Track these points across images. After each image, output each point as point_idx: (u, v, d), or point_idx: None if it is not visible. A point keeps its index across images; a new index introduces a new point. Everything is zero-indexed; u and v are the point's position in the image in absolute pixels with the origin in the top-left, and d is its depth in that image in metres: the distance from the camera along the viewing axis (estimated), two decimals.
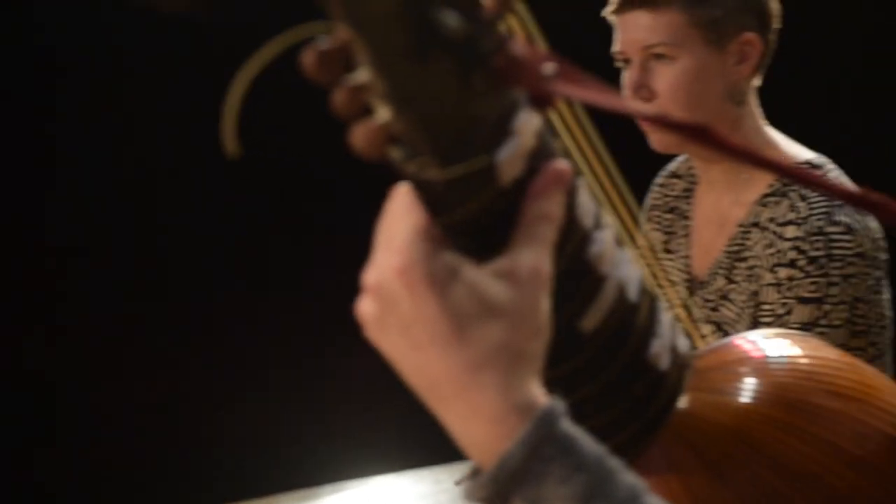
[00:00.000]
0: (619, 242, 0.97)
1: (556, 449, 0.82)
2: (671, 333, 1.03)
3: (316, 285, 3.32)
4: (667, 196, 2.21)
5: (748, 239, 1.97)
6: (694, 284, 2.09)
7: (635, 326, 0.97)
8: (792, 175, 0.86)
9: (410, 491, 2.63)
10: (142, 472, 3.58)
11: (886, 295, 1.94)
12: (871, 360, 1.90)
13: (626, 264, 0.96)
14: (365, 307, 0.83)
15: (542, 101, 0.80)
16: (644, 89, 1.97)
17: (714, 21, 1.94)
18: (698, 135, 0.83)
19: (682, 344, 1.06)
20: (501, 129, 0.78)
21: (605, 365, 0.95)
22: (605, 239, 0.92)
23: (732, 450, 1.05)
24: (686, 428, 1.04)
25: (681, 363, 1.04)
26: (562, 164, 0.85)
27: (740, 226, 2.00)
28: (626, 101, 0.79)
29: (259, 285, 3.71)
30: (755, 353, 1.13)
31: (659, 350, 1.00)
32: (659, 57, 1.96)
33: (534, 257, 0.83)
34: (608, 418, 0.98)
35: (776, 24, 2.01)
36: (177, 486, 3.51)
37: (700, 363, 1.10)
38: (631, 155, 2.12)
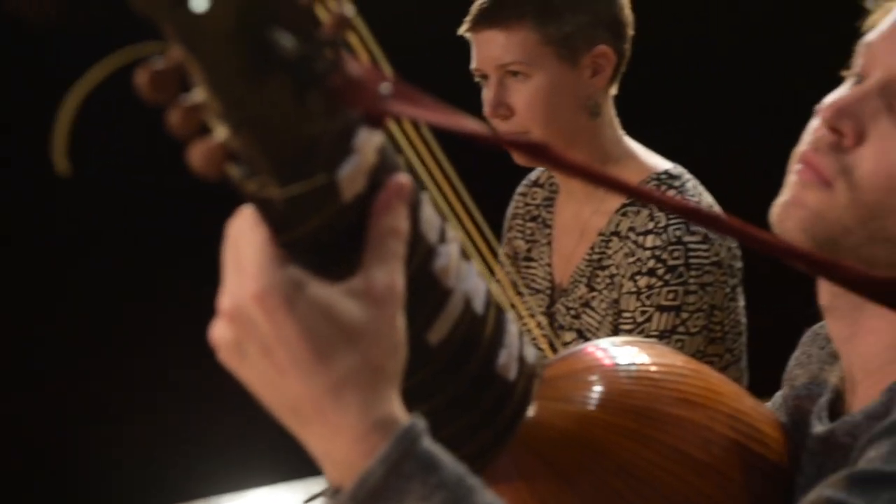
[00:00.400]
0: (465, 255, 0.98)
1: (416, 466, 0.83)
2: (518, 344, 1.04)
3: (190, 298, 3.29)
4: (528, 205, 2.24)
5: (608, 247, 2.00)
6: (556, 292, 2.12)
7: (482, 338, 0.98)
8: (626, 191, 0.88)
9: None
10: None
11: (741, 302, 1.99)
12: (727, 366, 1.95)
13: (471, 277, 0.97)
14: (221, 333, 0.83)
15: (376, 120, 0.80)
16: (502, 107, 2.00)
17: (566, 37, 1.97)
18: (537, 152, 0.84)
19: (530, 354, 1.07)
20: (342, 147, 0.79)
21: (453, 376, 0.96)
22: (451, 252, 0.92)
23: (580, 457, 1.06)
24: (535, 436, 1.06)
25: (529, 373, 1.06)
26: (403, 177, 0.85)
27: (601, 234, 2.03)
28: (462, 119, 0.80)
29: (129, 296, 3.66)
30: (603, 362, 1.15)
31: (507, 361, 1.01)
32: (514, 74, 1.99)
33: (387, 275, 0.83)
34: (457, 429, 0.98)
35: (629, 32, 2.04)
36: (42, 501, 3.44)
37: (549, 372, 1.11)
38: (484, 167, 2.15)
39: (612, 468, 1.06)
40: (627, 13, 2.04)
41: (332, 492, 0.86)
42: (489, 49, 2.00)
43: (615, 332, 1.96)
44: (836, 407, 1.18)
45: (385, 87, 0.79)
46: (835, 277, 0.91)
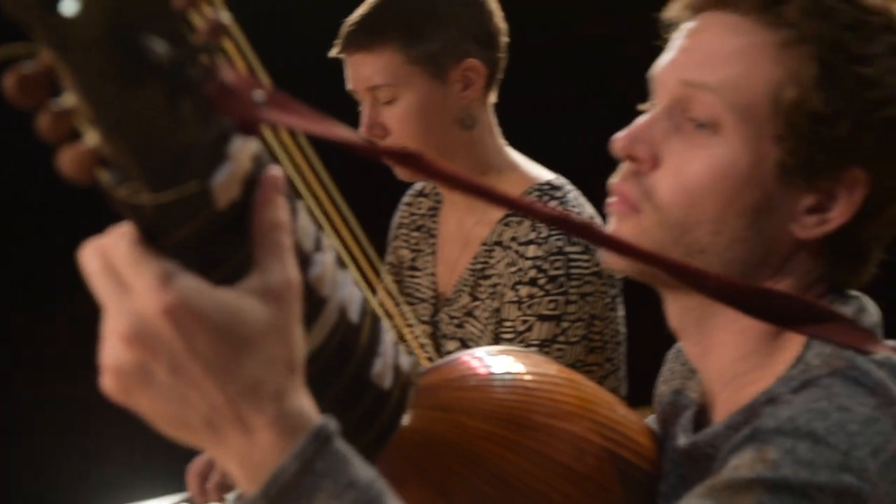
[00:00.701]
0: (341, 264, 0.98)
1: (329, 464, 0.83)
2: (394, 352, 1.05)
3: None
4: (413, 214, 2.25)
5: (491, 257, 2.02)
6: (440, 301, 2.13)
7: (357, 346, 0.98)
8: (498, 201, 0.89)
9: None
10: None
11: (621, 312, 2.01)
12: (606, 375, 1.97)
13: (347, 286, 0.97)
14: (119, 362, 0.80)
15: (250, 128, 0.80)
16: (376, 127, 2.02)
17: (432, 55, 1.98)
18: (411, 162, 0.84)
19: (406, 362, 1.07)
20: (216, 154, 0.79)
21: (328, 384, 0.96)
22: (326, 261, 0.92)
23: (454, 466, 1.07)
24: (410, 444, 1.06)
25: (404, 381, 1.06)
26: (276, 171, 0.85)
27: (484, 244, 2.04)
28: (336, 128, 0.81)
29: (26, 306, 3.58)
30: (478, 371, 1.16)
31: (382, 369, 1.01)
32: (385, 95, 2.00)
33: (283, 269, 0.83)
34: None
35: (502, 40, 2.05)
36: None
37: (424, 381, 1.12)
38: (366, 177, 2.14)
39: (485, 477, 1.07)
40: (497, 23, 2.05)
41: (239, 495, 0.85)
42: (358, 72, 2.02)
43: (496, 340, 1.97)
44: (700, 420, 1.21)
45: (259, 95, 0.79)
46: (701, 286, 0.94)
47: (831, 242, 1.12)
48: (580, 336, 1.91)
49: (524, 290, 1.92)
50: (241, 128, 0.80)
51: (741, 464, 0.99)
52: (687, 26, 1.14)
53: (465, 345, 2.04)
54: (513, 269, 1.95)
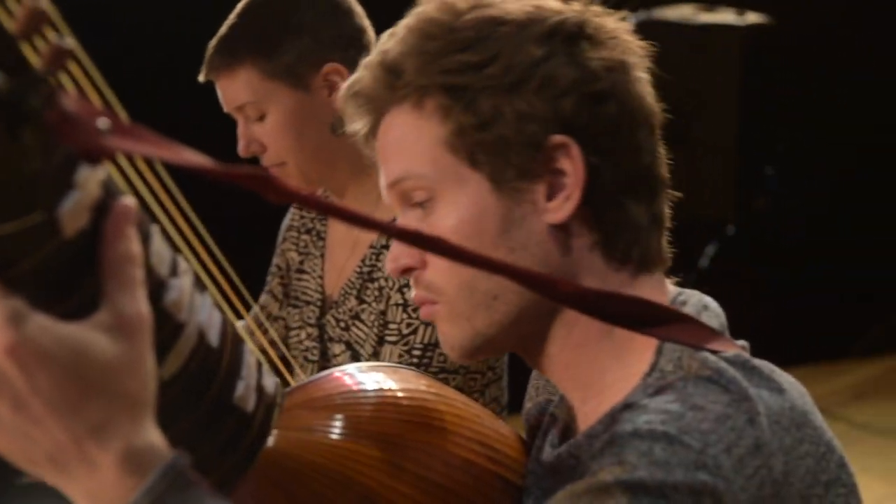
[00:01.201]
0: (200, 287, 0.97)
1: (180, 500, 0.82)
2: (257, 374, 1.04)
3: None
4: (304, 217, 2.23)
5: (379, 260, 2.01)
6: (326, 304, 2.12)
7: (218, 370, 0.97)
8: (352, 221, 0.90)
9: None
10: None
11: None
12: (489, 384, 1.97)
13: (206, 309, 0.96)
14: None
15: (94, 156, 0.79)
16: (253, 144, 2.02)
17: (289, 67, 1.98)
18: (259, 184, 0.84)
19: (269, 384, 1.07)
20: (62, 183, 0.78)
21: (189, 409, 0.96)
22: (183, 286, 0.92)
23: (320, 489, 1.06)
24: (274, 467, 1.05)
25: (268, 403, 1.05)
26: (128, 201, 0.84)
27: (371, 247, 2.04)
28: (185, 153, 0.81)
29: None
30: (345, 388, 1.15)
31: (244, 392, 1.01)
32: (255, 115, 2.00)
33: (132, 303, 0.83)
34: (195, 461, 0.95)
35: (366, 39, 2.04)
36: None
37: (290, 401, 1.11)
38: (227, 197, 2.14)
39: (354, 498, 1.07)
40: (357, 22, 2.05)
41: None
42: (224, 94, 2.02)
43: (381, 343, 1.96)
44: (566, 434, 1.22)
45: (103, 123, 0.78)
46: (554, 295, 0.97)
47: (590, 211, 1.14)
48: None
49: (410, 294, 1.92)
50: (85, 156, 0.79)
51: (600, 469, 1.01)
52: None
53: (351, 348, 2.03)
54: None
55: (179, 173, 0.96)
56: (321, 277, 2.16)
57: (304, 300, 2.17)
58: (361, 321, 2.02)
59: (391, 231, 0.93)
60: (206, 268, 1.05)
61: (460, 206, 1.13)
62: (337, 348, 2.06)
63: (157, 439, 0.85)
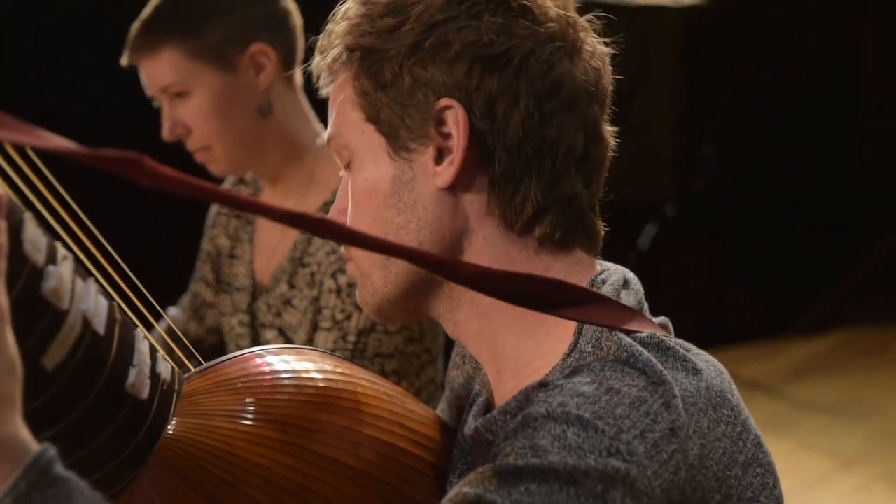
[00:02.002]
0: (82, 274, 0.94)
1: (47, 496, 0.80)
2: (150, 361, 1.02)
3: None
4: None
5: (310, 245, 1.99)
6: (258, 290, 2.09)
7: (107, 359, 0.95)
8: (242, 207, 0.88)
9: None
10: None
11: None
12: (425, 365, 1.96)
13: (90, 296, 0.94)
14: None
15: None
16: (178, 126, 1.99)
17: (214, 46, 1.95)
18: (131, 168, 0.80)
19: (165, 370, 1.05)
20: None
21: (78, 399, 0.93)
22: (62, 273, 0.89)
23: (222, 473, 1.04)
24: (174, 454, 1.03)
25: (165, 389, 1.04)
26: None
27: (303, 232, 2.01)
28: (51, 138, 0.79)
29: None
30: (248, 371, 1.12)
31: (137, 379, 0.99)
32: (178, 94, 1.97)
33: None
34: (90, 452, 0.95)
35: (294, 21, 2.02)
36: None
37: (189, 387, 1.09)
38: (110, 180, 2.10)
39: (257, 483, 1.05)
40: (283, 4, 2.03)
41: None
42: (148, 76, 1.99)
43: (315, 330, 1.94)
44: (490, 406, 1.21)
45: None
46: (456, 276, 0.94)
47: (481, 175, 1.13)
48: (399, 326, 1.90)
49: (343, 279, 1.90)
50: None
51: (511, 451, 1.00)
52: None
53: (283, 333, 2.01)
54: (332, 257, 1.93)
55: (62, 163, 0.93)
56: (251, 263, 2.13)
57: (235, 286, 2.14)
58: (293, 307, 1.99)
59: (279, 214, 0.88)
60: (91, 255, 1.01)
61: (366, 167, 1.16)
62: (269, 334, 2.03)
63: (21, 435, 0.82)
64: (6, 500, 0.79)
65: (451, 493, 1.00)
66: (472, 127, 1.11)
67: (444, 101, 1.11)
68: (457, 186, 1.13)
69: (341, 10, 1.19)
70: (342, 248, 1.20)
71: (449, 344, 2.02)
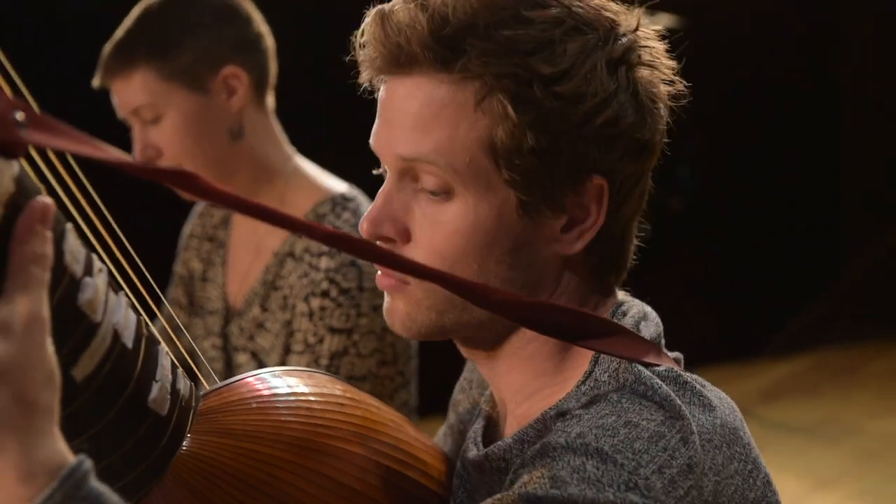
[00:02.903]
0: (115, 288, 0.95)
1: None
2: (172, 377, 1.03)
3: None
4: (205, 225, 2.19)
5: (283, 268, 1.98)
6: (230, 313, 2.08)
7: (133, 373, 0.96)
8: (276, 222, 0.88)
9: None
10: None
11: None
12: (398, 388, 1.95)
13: (121, 310, 0.94)
14: None
15: (10, 149, 0.77)
16: (149, 148, 1.97)
17: (186, 69, 1.95)
18: (184, 182, 0.82)
19: (184, 387, 1.06)
20: None
21: (102, 411, 0.94)
22: (97, 285, 0.90)
23: (235, 493, 1.05)
24: (188, 471, 1.04)
25: (183, 406, 1.04)
26: (44, 201, 0.82)
27: (275, 255, 2.00)
28: (106, 148, 0.81)
29: None
30: (260, 393, 1.13)
31: (159, 395, 0.99)
32: (150, 118, 1.96)
33: (29, 303, 0.80)
34: (108, 464, 0.96)
35: (266, 44, 2.02)
36: None
37: (205, 405, 1.10)
38: (142, 197, 2.08)
39: (266, 502, 1.05)
40: (255, 28, 2.02)
41: None
42: (120, 97, 1.98)
43: (287, 353, 1.93)
44: (491, 432, 1.21)
45: (19, 115, 0.77)
46: (484, 302, 0.94)
47: (594, 247, 1.12)
48: (372, 349, 1.89)
49: (315, 302, 1.89)
50: (0, 150, 0.77)
51: (530, 480, 1.00)
52: (382, 95, 1.12)
53: (255, 357, 2.00)
54: (305, 280, 1.92)
55: (94, 172, 0.93)
56: (224, 286, 2.12)
57: (208, 309, 2.13)
58: (266, 330, 1.99)
59: (322, 235, 0.89)
60: (122, 268, 1.01)
61: (480, 213, 1.08)
62: (241, 357, 2.02)
63: (58, 446, 0.82)
64: None
65: None
66: (609, 206, 1.10)
67: (597, 181, 1.08)
68: (573, 256, 1.11)
69: (487, 13, 1.06)
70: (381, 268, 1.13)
71: (422, 364, 2.02)
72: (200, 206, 2.22)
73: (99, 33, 2.05)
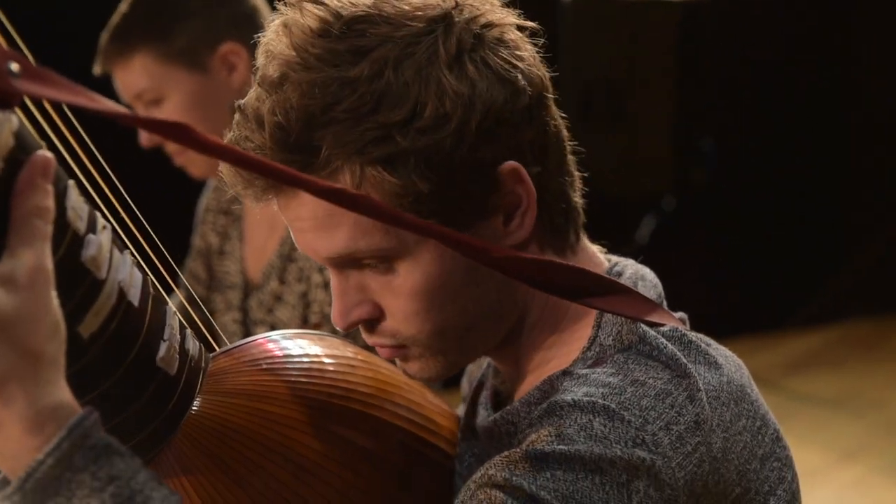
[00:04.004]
0: (119, 246, 0.95)
1: (88, 458, 0.81)
2: (180, 337, 1.02)
3: None
4: (220, 199, 2.20)
5: None
6: (249, 287, 2.09)
7: (140, 331, 0.96)
8: (270, 174, 0.88)
9: None
10: None
11: None
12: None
13: (126, 268, 0.94)
14: None
15: (4, 99, 0.77)
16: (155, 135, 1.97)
17: (183, 49, 1.96)
18: (178, 134, 0.83)
19: (194, 347, 1.05)
20: None
21: (110, 370, 0.94)
22: (101, 242, 0.90)
23: (247, 452, 1.05)
24: (199, 431, 1.04)
25: (193, 366, 1.04)
26: (45, 154, 0.83)
27: None
28: (100, 99, 0.81)
29: None
30: (272, 353, 1.13)
31: (167, 354, 0.99)
32: (154, 101, 1.97)
33: (32, 256, 0.81)
34: (116, 424, 0.95)
35: (262, 18, 2.00)
36: None
37: (215, 366, 1.10)
38: (146, 156, 2.08)
39: (279, 461, 1.05)
40: (251, 1, 2.02)
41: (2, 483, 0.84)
42: (122, 83, 1.99)
43: (305, 324, 1.94)
44: (500, 398, 1.21)
45: (13, 66, 0.77)
46: (486, 260, 0.94)
47: (539, 217, 1.09)
48: None
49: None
50: None
51: (538, 437, 1.00)
52: (277, 208, 1.08)
53: (275, 330, 1.99)
54: None
55: (99, 130, 0.93)
56: (241, 260, 2.12)
57: (227, 284, 2.13)
58: (284, 302, 1.99)
59: (315, 188, 0.89)
60: (127, 227, 1.01)
61: (423, 264, 1.05)
62: (261, 331, 2.02)
63: (65, 397, 0.83)
64: (48, 461, 0.80)
65: (477, 474, 1.01)
66: (530, 174, 1.07)
67: (506, 168, 1.05)
68: (527, 239, 1.10)
69: (275, 96, 1.01)
70: (373, 340, 1.11)
71: None
72: (215, 180, 2.21)
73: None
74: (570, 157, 1.14)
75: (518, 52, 1.07)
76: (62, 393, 0.83)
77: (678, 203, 5.06)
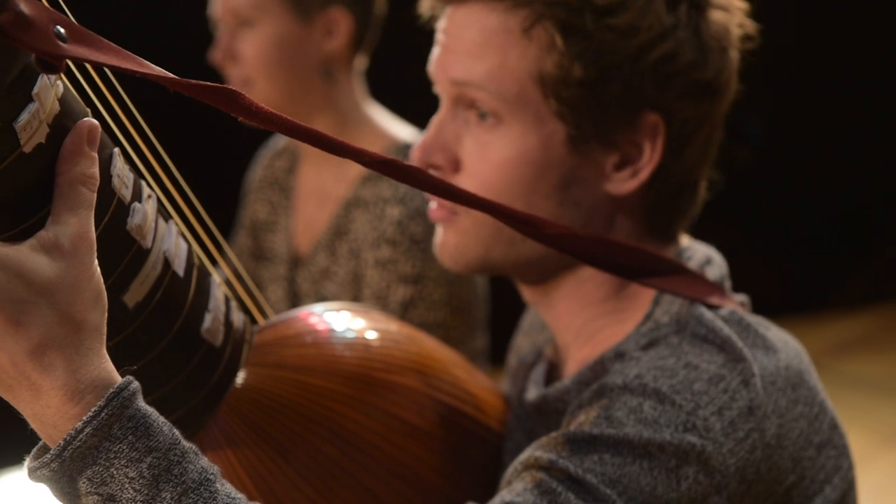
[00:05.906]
0: (165, 215, 0.94)
1: (127, 428, 0.81)
2: (225, 309, 1.02)
3: None
4: (272, 170, 2.18)
5: (350, 215, 1.97)
6: (297, 260, 2.07)
7: (185, 301, 0.95)
8: (317, 143, 0.87)
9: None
10: None
11: None
12: (468, 336, 1.94)
13: (171, 237, 0.93)
14: None
15: (51, 63, 0.76)
16: (230, 54, 1.96)
17: None
18: (227, 100, 0.82)
19: (238, 319, 1.05)
20: (19, 95, 0.75)
21: (155, 340, 0.93)
22: (147, 211, 0.89)
23: (292, 425, 1.04)
24: (244, 403, 1.04)
25: (237, 338, 1.03)
26: (91, 122, 0.82)
27: (342, 202, 1.99)
28: (146, 64, 0.80)
29: None
30: (316, 328, 1.13)
31: (212, 325, 0.99)
32: (245, 21, 1.94)
33: (76, 224, 0.80)
34: (161, 395, 0.95)
35: (377, 8, 2.01)
36: None
37: (260, 338, 1.09)
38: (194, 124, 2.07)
39: (324, 434, 1.05)
40: None
41: (39, 449, 0.83)
42: None
43: (355, 301, 1.92)
44: (552, 375, 1.20)
45: (60, 29, 0.76)
46: (540, 236, 0.94)
47: (650, 188, 1.10)
48: (441, 297, 1.88)
49: (385, 251, 1.88)
50: (41, 63, 0.76)
51: (586, 419, 0.99)
52: (441, 23, 1.12)
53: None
54: (373, 228, 1.91)
55: (147, 96, 0.92)
56: (290, 233, 2.10)
57: (275, 256, 2.12)
58: (333, 277, 1.98)
59: (366, 158, 0.89)
60: (172, 197, 1.01)
61: (527, 145, 1.08)
62: (308, 304, 2.01)
63: (106, 366, 0.82)
64: (87, 430, 0.79)
65: (523, 456, 1.00)
66: (665, 148, 1.08)
67: (651, 118, 1.07)
68: (625, 196, 1.10)
69: None
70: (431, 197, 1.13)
71: (494, 312, 2.02)
72: (266, 152, 2.22)
73: None
74: (706, 168, 1.14)
75: (723, 33, 1.09)
76: (103, 362, 0.82)
77: (723, 182, 5.03)
